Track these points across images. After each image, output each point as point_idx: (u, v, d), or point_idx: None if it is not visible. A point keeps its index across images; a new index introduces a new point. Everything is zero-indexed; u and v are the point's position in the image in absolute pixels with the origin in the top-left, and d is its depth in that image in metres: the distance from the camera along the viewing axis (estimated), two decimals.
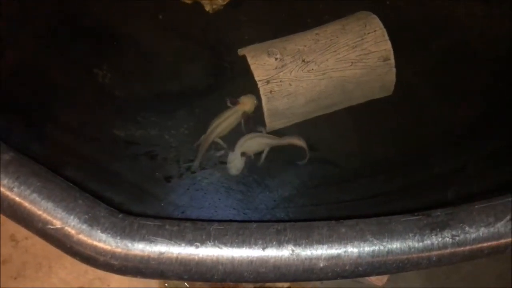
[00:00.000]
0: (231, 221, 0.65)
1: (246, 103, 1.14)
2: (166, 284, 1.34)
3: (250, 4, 1.25)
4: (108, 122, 1.14)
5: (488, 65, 1.20)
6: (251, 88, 1.11)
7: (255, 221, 0.69)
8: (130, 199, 1.01)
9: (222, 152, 1.13)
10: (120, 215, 0.64)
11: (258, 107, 1.13)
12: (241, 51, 1.15)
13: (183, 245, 0.62)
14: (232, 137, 1.13)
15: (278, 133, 1.14)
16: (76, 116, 1.13)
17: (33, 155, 0.78)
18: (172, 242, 0.62)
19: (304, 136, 1.14)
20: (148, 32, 1.23)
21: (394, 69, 1.12)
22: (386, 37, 1.11)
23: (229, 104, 1.15)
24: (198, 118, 1.16)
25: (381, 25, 1.12)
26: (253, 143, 1.12)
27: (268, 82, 1.08)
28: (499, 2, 1.23)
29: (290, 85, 1.09)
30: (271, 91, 1.08)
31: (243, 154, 1.10)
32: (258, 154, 1.13)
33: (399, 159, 1.15)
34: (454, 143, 1.15)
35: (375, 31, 1.12)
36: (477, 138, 1.13)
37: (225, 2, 1.14)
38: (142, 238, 0.62)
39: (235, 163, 1.11)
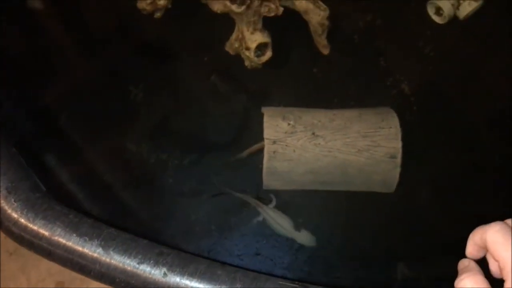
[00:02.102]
0: (123, 229, 0.71)
1: None
2: None
3: (286, 71, 1.33)
4: (122, 133, 1.24)
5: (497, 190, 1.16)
6: None
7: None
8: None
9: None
10: (38, 194, 0.73)
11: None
12: (263, 109, 1.22)
13: (74, 235, 0.69)
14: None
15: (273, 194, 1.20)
16: (95, 122, 1.24)
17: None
18: (67, 229, 0.69)
19: (295, 203, 1.19)
20: (190, 69, 1.33)
21: (399, 169, 1.13)
22: (399, 136, 1.12)
23: None
24: (206, 163, 1.22)
25: (398, 124, 1.14)
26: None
27: (274, 142, 1.14)
28: None
29: (294, 151, 1.14)
30: (274, 152, 1.14)
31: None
32: None
33: (375, 255, 1.14)
34: (435, 254, 1.12)
35: (390, 127, 1.14)
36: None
37: (261, 62, 1.23)
38: (44, 217, 0.70)
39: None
